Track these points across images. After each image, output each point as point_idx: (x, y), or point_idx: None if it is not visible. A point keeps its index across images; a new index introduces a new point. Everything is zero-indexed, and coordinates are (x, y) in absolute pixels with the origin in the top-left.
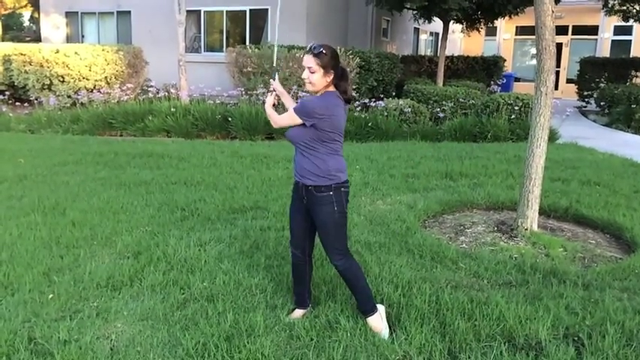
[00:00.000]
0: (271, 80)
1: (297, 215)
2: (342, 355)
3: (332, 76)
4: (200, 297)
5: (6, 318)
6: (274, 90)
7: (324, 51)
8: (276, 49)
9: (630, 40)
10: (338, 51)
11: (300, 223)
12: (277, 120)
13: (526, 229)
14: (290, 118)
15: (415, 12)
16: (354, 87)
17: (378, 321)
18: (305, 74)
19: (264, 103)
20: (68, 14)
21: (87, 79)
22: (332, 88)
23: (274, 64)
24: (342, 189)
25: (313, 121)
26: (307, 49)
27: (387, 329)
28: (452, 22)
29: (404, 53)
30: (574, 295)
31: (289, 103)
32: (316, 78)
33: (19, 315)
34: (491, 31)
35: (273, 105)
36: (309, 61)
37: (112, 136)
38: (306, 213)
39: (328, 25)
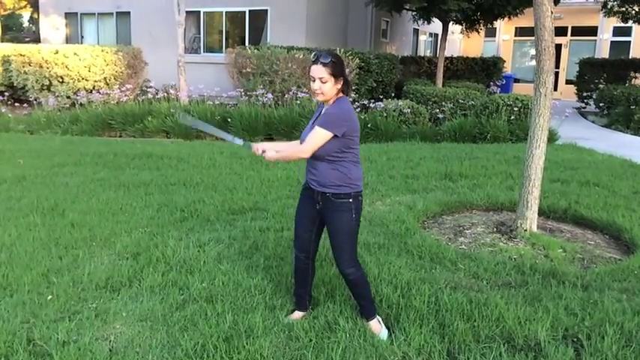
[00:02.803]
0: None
1: (305, 219)
2: (341, 356)
3: (342, 83)
4: (199, 298)
5: (5, 319)
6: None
7: (333, 59)
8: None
9: (629, 41)
10: (338, 52)
11: (308, 227)
12: (306, 148)
13: (525, 230)
14: (322, 137)
15: (414, 13)
16: (353, 88)
17: (378, 323)
18: (316, 85)
19: (263, 152)
20: (67, 15)
21: (86, 80)
22: (341, 94)
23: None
24: (360, 197)
25: (343, 129)
26: (314, 58)
27: (386, 330)
28: (451, 23)
29: (403, 54)
30: (573, 296)
31: (284, 145)
32: (328, 87)
33: (18, 316)
34: (491, 32)
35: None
36: (319, 71)
37: (111, 136)
38: (315, 217)
39: (327, 26)
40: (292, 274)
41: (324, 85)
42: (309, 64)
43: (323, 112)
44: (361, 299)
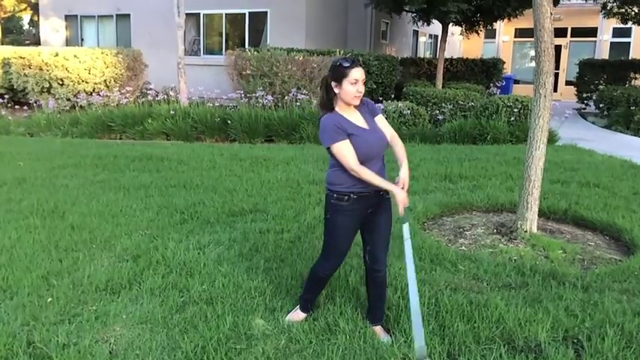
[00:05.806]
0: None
1: (353, 231)
2: (342, 358)
3: None
4: (199, 300)
5: (5, 321)
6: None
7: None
8: None
9: (629, 42)
10: (337, 54)
11: (353, 237)
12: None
13: (525, 231)
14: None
15: (414, 14)
16: None
17: (381, 328)
18: (362, 88)
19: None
20: (67, 17)
21: (86, 83)
22: None
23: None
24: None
25: None
26: (350, 62)
27: (388, 336)
28: (451, 24)
29: (403, 56)
30: (573, 297)
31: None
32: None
33: (18, 318)
34: (491, 34)
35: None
36: (362, 73)
37: (112, 139)
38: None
39: (327, 27)
40: (316, 283)
41: (363, 87)
42: (344, 67)
43: (378, 117)
44: (382, 300)
